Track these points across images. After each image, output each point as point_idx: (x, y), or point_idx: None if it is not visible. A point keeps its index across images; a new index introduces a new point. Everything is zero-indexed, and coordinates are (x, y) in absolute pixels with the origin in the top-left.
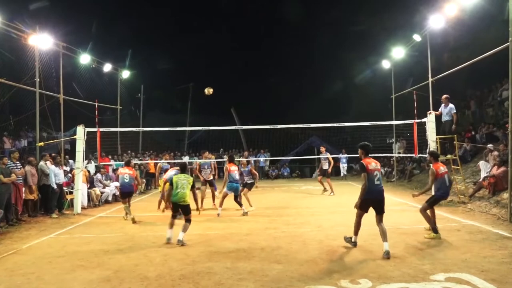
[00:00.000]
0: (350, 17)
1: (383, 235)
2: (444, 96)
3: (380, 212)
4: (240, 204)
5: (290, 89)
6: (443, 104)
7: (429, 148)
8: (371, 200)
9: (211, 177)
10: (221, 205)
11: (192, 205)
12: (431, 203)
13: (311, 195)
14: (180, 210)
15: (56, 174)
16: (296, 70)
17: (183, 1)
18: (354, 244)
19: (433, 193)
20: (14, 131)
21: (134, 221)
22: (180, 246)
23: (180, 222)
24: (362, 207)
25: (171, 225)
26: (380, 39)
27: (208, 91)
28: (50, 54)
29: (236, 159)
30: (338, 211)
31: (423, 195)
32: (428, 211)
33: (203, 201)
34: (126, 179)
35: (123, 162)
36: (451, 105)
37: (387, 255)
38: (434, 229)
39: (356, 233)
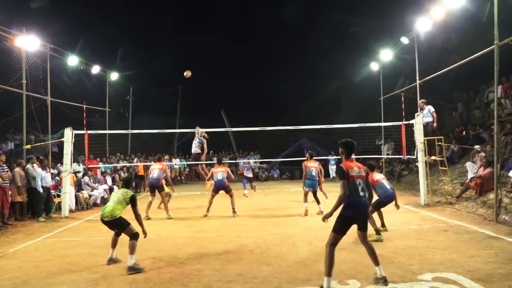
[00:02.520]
0: (339, 20)
1: (373, 255)
2: (420, 101)
3: (364, 229)
4: (318, 201)
5: (279, 91)
6: (420, 109)
7: (417, 150)
8: (354, 217)
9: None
10: (305, 200)
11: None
12: (376, 206)
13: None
14: (112, 228)
15: (43, 177)
16: (286, 73)
17: (172, 2)
18: None
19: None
20: (1, 134)
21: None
22: (129, 275)
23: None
24: (341, 229)
25: (113, 243)
26: (369, 42)
27: (187, 73)
28: (37, 56)
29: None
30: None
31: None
32: (376, 214)
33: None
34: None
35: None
36: (428, 107)
37: (384, 283)
38: (376, 230)
39: (329, 272)
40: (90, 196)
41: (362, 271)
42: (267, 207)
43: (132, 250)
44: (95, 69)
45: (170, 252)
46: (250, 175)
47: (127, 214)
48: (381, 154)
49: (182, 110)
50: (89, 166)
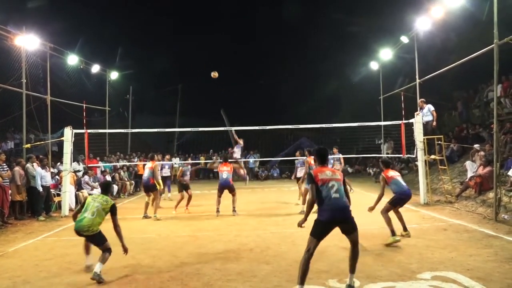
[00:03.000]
0: (339, 19)
1: (353, 261)
2: (420, 100)
3: (349, 231)
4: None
5: (279, 91)
6: (419, 108)
7: (417, 149)
8: (331, 221)
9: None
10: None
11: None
12: (392, 203)
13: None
14: (88, 241)
15: (42, 177)
16: (285, 72)
17: (172, 2)
18: None
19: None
20: (1, 133)
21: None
22: (98, 283)
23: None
24: (315, 232)
25: (86, 249)
26: (368, 41)
27: (214, 74)
28: (37, 55)
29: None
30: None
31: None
32: (392, 213)
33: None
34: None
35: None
36: (428, 106)
37: None
38: (392, 231)
39: (302, 280)
40: (90, 195)
41: (362, 269)
42: (266, 206)
43: (103, 260)
44: (95, 68)
45: (170, 251)
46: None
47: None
48: (380, 153)
49: (182, 109)
50: (89, 165)
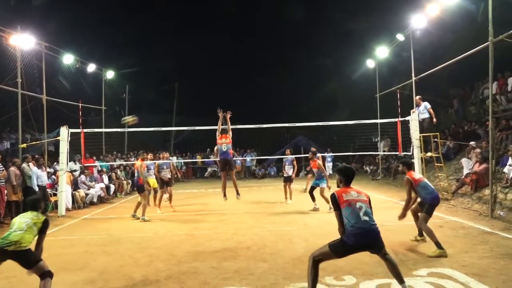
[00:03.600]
0: (335, 18)
1: (395, 272)
2: (417, 97)
3: (378, 251)
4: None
5: (275, 89)
6: (416, 105)
7: (413, 146)
8: (359, 246)
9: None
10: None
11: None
12: (428, 212)
13: (297, 194)
14: (18, 263)
15: (39, 176)
16: (281, 70)
17: (169, 1)
18: None
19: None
20: None
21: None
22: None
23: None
24: (338, 252)
25: None
26: (364, 39)
27: (129, 120)
28: (32, 54)
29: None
30: (324, 209)
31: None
32: (410, 214)
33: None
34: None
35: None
36: (424, 103)
37: None
38: (437, 243)
39: None
40: (86, 194)
41: (358, 267)
42: (263, 204)
43: None
44: (91, 68)
45: (166, 249)
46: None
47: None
48: (377, 151)
49: (179, 108)
50: (85, 164)
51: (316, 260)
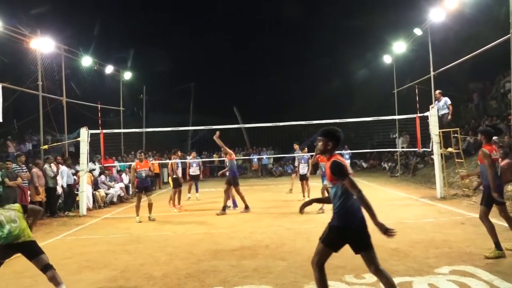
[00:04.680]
0: (350, 12)
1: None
2: (437, 91)
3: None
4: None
5: (292, 86)
6: (436, 100)
7: (432, 142)
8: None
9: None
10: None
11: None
12: (487, 203)
13: (315, 191)
14: (22, 254)
15: (68, 176)
16: (298, 67)
17: (183, 2)
18: None
19: (481, 187)
20: (18, 135)
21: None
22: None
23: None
24: (333, 241)
25: None
26: (381, 34)
27: None
28: (52, 57)
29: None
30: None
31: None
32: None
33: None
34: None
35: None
36: (445, 98)
37: None
38: (496, 243)
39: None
40: (106, 194)
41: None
42: (281, 203)
43: (56, 281)
44: (109, 69)
45: (186, 248)
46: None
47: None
48: (395, 147)
49: (195, 108)
50: (105, 165)
51: (319, 265)
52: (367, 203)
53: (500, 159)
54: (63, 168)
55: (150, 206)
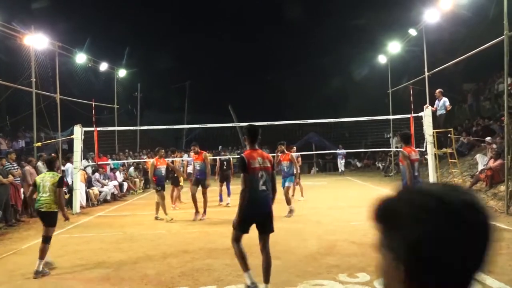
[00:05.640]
0: (346, 13)
1: (266, 272)
2: (438, 90)
3: (264, 231)
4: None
5: (287, 86)
6: (437, 100)
7: (426, 143)
8: (252, 215)
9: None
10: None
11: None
12: None
13: (309, 191)
14: (41, 220)
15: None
16: (293, 67)
17: (179, 1)
18: (255, 286)
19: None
20: (11, 132)
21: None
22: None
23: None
24: (238, 225)
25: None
26: (376, 34)
27: None
28: (46, 54)
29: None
30: (336, 207)
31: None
32: None
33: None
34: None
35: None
36: (444, 99)
37: None
38: None
39: (246, 267)
40: (100, 192)
41: (372, 263)
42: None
43: (42, 254)
44: (103, 66)
45: (180, 247)
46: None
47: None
48: (390, 147)
49: (190, 106)
50: (98, 163)
51: (234, 241)
52: (241, 201)
53: (492, 160)
54: (68, 165)
55: (157, 205)
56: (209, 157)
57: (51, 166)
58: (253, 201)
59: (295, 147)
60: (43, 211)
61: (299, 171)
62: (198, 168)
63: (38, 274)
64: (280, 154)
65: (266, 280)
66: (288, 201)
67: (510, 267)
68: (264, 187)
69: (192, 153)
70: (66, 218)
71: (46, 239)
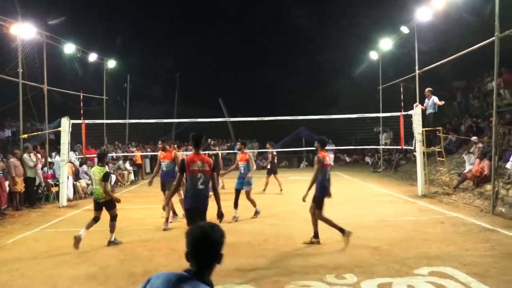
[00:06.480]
0: (338, 9)
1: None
2: (427, 89)
3: (202, 216)
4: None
5: (278, 80)
6: (426, 98)
7: (415, 141)
8: (193, 208)
9: None
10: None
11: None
12: (319, 204)
13: (298, 186)
14: (100, 208)
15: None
16: (284, 62)
17: None
18: None
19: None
20: None
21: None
22: (114, 246)
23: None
24: (187, 220)
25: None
26: (368, 31)
27: None
28: (33, 44)
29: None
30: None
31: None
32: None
33: None
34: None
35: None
36: (434, 97)
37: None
38: (315, 233)
39: None
40: (88, 185)
41: (359, 264)
42: (264, 197)
43: (112, 229)
44: (92, 57)
45: (168, 244)
46: None
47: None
48: (378, 142)
49: (180, 98)
50: (86, 155)
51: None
52: (171, 194)
53: (478, 160)
54: (57, 157)
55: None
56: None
57: (101, 160)
58: (193, 197)
59: (272, 143)
60: (101, 202)
61: (255, 168)
62: (164, 169)
63: (111, 243)
64: (238, 153)
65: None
66: (235, 206)
67: (495, 269)
68: (202, 186)
69: (160, 151)
70: (118, 201)
71: (113, 218)
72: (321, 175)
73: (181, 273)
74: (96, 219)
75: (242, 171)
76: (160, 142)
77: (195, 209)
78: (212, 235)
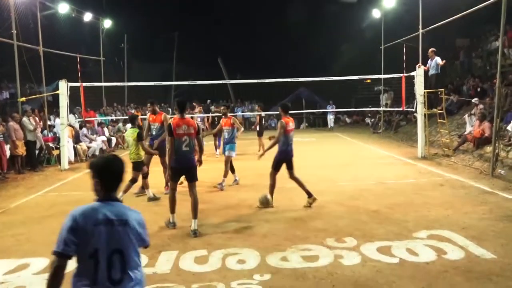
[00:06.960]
0: None
1: (194, 209)
2: (430, 49)
3: (190, 179)
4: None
5: (278, 39)
6: (429, 59)
7: (416, 102)
8: (179, 169)
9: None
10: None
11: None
12: (276, 167)
13: (297, 148)
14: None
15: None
16: (285, 20)
17: None
18: (173, 225)
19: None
20: None
21: None
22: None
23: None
24: (171, 177)
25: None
26: None
27: None
28: (26, 4)
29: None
30: (324, 165)
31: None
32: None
33: None
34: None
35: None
36: (437, 58)
37: (194, 235)
38: (308, 193)
39: (172, 210)
40: (88, 148)
41: (359, 227)
42: (263, 158)
43: (146, 186)
44: (88, 17)
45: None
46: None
47: None
48: (380, 102)
49: (178, 58)
50: (86, 118)
51: (171, 190)
52: (168, 159)
53: (478, 122)
54: (57, 120)
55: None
56: (199, 113)
57: (133, 122)
58: (178, 158)
59: (262, 105)
60: (132, 162)
61: (242, 130)
62: (154, 133)
63: (150, 199)
64: (222, 118)
65: (194, 216)
66: (232, 170)
67: (492, 232)
68: (187, 148)
69: (148, 113)
70: (156, 154)
71: (133, 180)
72: (284, 139)
73: (96, 203)
74: (134, 180)
75: (227, 136)
76: (149, 104)
77: (179, 168)
78: (117, 163)
